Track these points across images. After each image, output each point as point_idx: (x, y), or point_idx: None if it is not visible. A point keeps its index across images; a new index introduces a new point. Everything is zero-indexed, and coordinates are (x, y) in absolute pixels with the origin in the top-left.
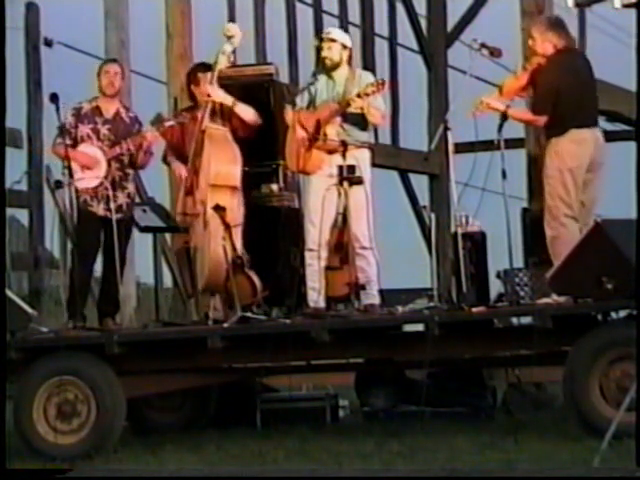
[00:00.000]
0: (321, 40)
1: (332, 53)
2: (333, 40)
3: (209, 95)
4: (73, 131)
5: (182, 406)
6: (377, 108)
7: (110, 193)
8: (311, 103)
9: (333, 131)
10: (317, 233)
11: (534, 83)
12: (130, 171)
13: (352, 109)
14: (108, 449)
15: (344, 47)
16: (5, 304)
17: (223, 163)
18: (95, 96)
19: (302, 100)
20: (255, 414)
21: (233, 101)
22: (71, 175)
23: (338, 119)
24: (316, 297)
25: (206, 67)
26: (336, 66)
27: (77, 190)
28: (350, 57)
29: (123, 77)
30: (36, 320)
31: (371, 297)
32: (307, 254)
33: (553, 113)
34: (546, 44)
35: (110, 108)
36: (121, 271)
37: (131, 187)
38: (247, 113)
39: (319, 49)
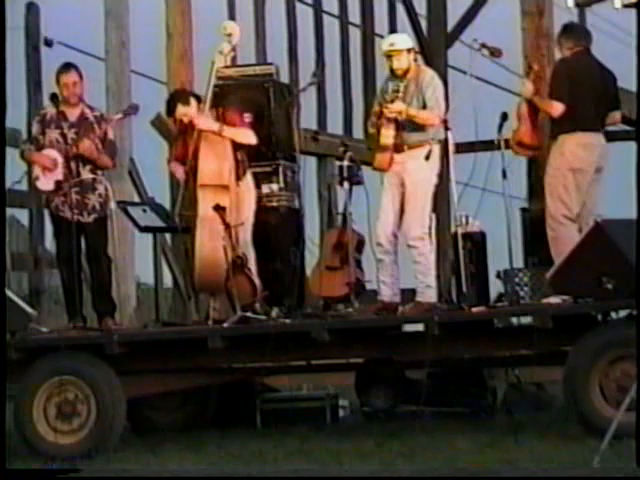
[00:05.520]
0: (386, 53)
1: (401, 63)
2: (399, 51)
3: (195, 125)
4: (40, 138)
5: (182, 406)
6: (430, 108)
7: (77, 197)
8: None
9: (389, 133)
10: (383, 228)
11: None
12: (100, 172)
13: (390, 114)
14: (108, 449)
15: (409, 51)
16: (5, 304)
17: (209, 162)
18: (52, 102)
19: (381, 98)
20: (255, 414)
21: (219, 127)
22: (30, 180)
23: (391, 123)
24: (389, 292)
25: (179, 96)
26: (407, 71)
27: (48, 196)
28: (415, 55)
29: (82, 79)
30: (36, 320)
31: (418, 295)
32: (377, 249)
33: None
34: (562, 49)
35: (74, 111)
36: (108, 269)
37: (101, 188)
38: (238, 135)
39: (387, 55)
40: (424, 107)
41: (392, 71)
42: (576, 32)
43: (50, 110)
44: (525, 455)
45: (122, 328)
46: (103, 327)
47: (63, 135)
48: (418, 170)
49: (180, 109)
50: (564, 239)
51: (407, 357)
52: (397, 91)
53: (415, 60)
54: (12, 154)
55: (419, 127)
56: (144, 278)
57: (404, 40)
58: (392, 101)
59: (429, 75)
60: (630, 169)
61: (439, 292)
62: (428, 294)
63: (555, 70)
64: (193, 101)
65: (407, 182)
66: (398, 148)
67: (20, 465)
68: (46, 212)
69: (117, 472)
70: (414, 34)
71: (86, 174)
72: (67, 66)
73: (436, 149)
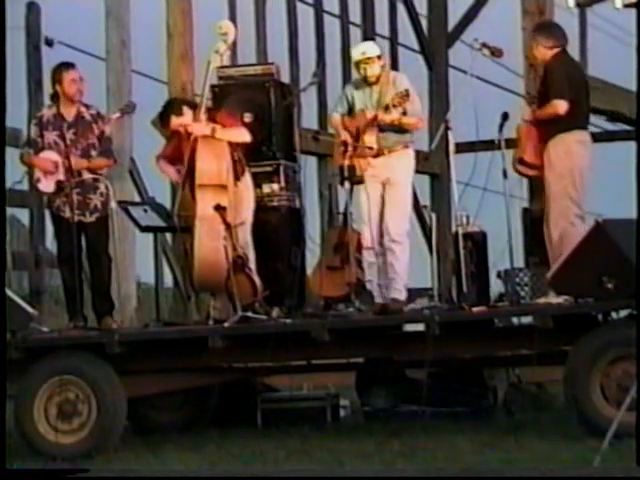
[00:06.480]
0: (358, 62)
1: (374, 70)
2: (372, 58)
3: (190, 133)
4: (39, 140)
5: (183, 406)
6: (413, 114)
7: (79, 198)
8: (350, 110)
9: (372, 138)
10: (370, 231)
11: (545, 78)
12: (102, 172)
13: (384, 121)
14: (109, 449)
15: (379, 57)
16: (5, 304)
17: (207, 163)
18: (54, 102)
19: (342, 106)
20: (256, 414)
21: (212, 129)
22: (31, 181)
23: (375, 127)
24: (386, 293)
25: (172, 108)
26: (378, 77)
27: (49, 197)
28: (384, 61)
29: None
30: (37, 320)
31: (396, 292)
32: (365, 253)
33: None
34: (540, 48)
35: (71, 111)
36: (109, 268)
37: (102, 187)
38: (231, 135)
39: (358, 64)
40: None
41: (365, 79)
42: (556, 31)
43: (47, 112)
44: (526, 455)
45: (122, 327)
46: (103, 326)
47: (62, 136)
48: (402, 171)
49: (174, 120)
50: (575, 237)
51: (408, 357)
52: (407, 95)
53: (383, 66)
54: (13, 154)
55: (399, 130)
56: (145, 278)
57: (374, 48)
58: (394, 106)
59: (404, 80)
60: (630, 169)
61: (439, 292)
62: (404, 292)
63: (551, 70)
64: (187, 109)
65: (392, 181)
66: (378, 152)
67: (20, 465)
68: (47, 213)
69: (117, 472)
70: (415, 34)
71: (87, 174)
72: (69, 64)
73: (412, 151)
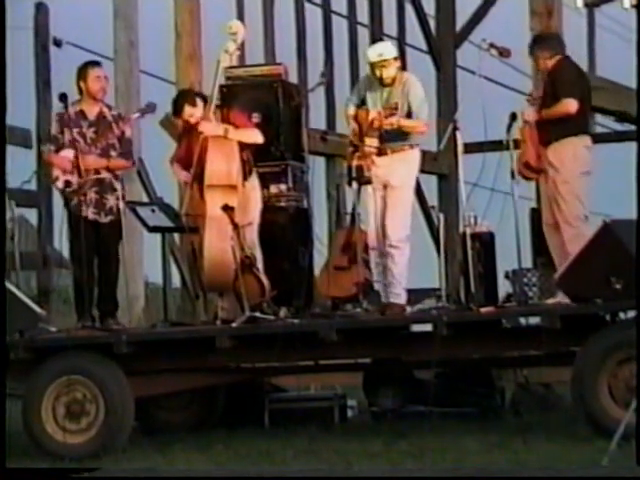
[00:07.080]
0: (374, 63)
1: (390, 72)
2: (388, 60)
3: (201, 131)
4: (60, 137)
5: (190, 406)
6: (417, 116)
7: (97, 197)
8: (361, 104)
9: (373, 142)
10: (375, 232)
11: (551, 81)
12: (119, 173)
13: (386, 126)
14: (117, 449)
15: (395, 59)
16: (5, 303)
17: (217, 163)
18: (77, 99)
19: (358, 98)
20: (263, 414)
21: (225, 130)
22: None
23: (376, 130)
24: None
25: (185, 97)
26: (394, 79)
27: (67, 195)
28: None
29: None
30: (45, 320)
31: (395, 296)
32: (372, 253)
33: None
34: (540, 61)
35: (94, 110)
36: (116, 271)
37: (119, 188)
38: (244, 136)
39: (373, 66)
40: (409, 112)
41: (380, 80)
42: (551, 42)
43: (69, 109)
44: (533, 455)
45: (130, 327)
46: (105, 327)
47: (82, 134)
48: (404, 173)
49: (187, 110)
50: (586, 235)
51: (415, 357)
52: (396, 108)
53: (398, 68)
54: (23, 154)
55: (399, 135)
56: (152, 278)
57: (391, 49)
58: (386, 117)
59: (415, 83)
60: (631, 169)
61: (447, 292)
62: (403, 296)
63: (557, 73)
64: (199, 101)
65: (393, 184)
66: (381, 152)
67: (29, 465)
68: (55, 211)
69: (125, 472)
70: (423, 34)
71: (105, 173)
72: (95, 61)
73: (417, 152)
